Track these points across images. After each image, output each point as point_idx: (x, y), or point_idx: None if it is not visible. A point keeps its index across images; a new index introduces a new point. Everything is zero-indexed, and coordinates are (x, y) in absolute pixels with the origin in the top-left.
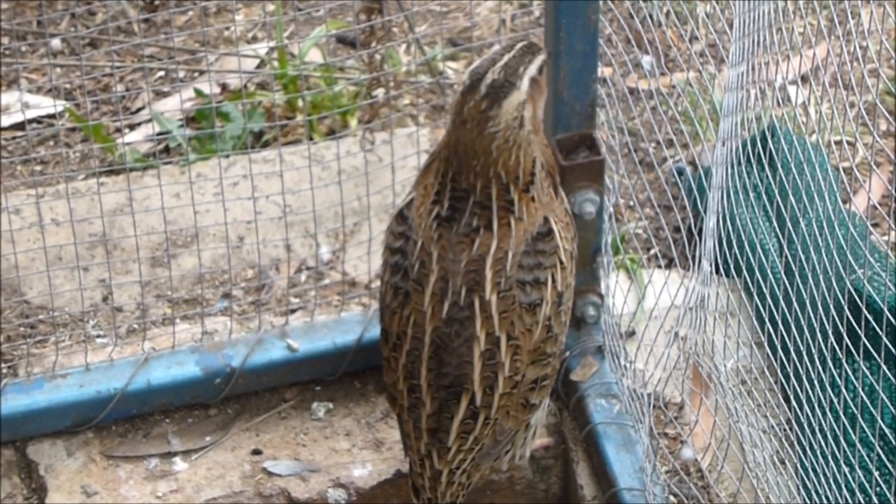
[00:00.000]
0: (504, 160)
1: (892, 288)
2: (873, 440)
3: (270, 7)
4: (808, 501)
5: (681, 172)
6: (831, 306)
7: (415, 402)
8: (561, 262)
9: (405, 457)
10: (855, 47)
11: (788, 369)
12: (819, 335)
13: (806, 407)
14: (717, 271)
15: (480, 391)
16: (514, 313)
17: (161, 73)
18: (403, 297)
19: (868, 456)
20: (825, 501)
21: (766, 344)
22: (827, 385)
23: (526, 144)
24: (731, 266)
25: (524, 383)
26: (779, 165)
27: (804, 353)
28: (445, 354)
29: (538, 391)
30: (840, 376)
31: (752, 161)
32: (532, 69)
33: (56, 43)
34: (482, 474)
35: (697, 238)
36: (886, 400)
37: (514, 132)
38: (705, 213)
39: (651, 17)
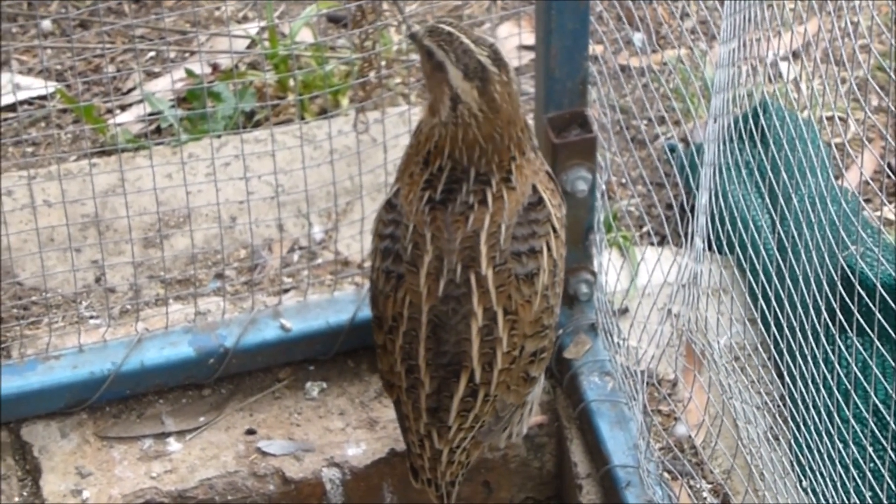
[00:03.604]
0: (520, 118)
1: (885, 263)
2: (867, 416)
3: None
4: (801, 477)
5: (673, 149)
6: (824, 282)
7: (413, 383)
8: (554, 230)
9: (405, 440)
10: (846, 23)
11: (782, 345)
12: (812, 311)
13: (799, 383)
14: (710, 248)
15: (479, 368)
16: (511, 286)
17: (152, 54)
18: (396, 280)
19: (861, 431)
20: (819, 477)
21: (759, 320)
22: (820, 361)
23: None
24: (724, 242)
25: (523, 357)
26: (771, 142)
27: (797, 329)
28: (443, 333)
29: (537, 363)
30: (833, 352)
31: (744, 137)
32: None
33: (47, 24)
34: (480, 452)
35: (690, 215)
36: (880, 375)
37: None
38: (697, 189)
39: None
